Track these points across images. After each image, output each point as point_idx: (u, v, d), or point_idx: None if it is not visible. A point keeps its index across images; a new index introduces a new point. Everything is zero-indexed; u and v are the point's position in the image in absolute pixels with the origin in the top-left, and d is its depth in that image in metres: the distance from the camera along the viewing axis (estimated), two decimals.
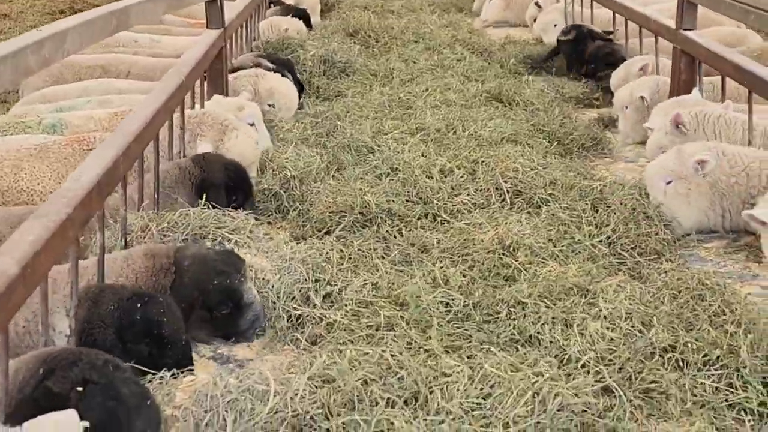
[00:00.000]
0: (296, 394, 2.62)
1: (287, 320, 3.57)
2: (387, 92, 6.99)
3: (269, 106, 6.30)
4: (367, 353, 2.95)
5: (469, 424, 2.43)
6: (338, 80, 7.56)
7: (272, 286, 3.65)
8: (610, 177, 5.18)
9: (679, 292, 3.51)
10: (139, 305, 3.04)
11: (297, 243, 4.05)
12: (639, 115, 6.21)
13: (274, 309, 3.59)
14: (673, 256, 4.35)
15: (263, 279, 3.69)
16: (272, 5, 10.46)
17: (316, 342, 3.39)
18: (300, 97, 6.75)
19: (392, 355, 2.90)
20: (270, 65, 6.63)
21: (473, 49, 8.73)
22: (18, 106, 6.71)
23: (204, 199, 4.15)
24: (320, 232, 4.34)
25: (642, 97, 6.17)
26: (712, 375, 2.94)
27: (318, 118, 6.25)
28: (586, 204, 4.50)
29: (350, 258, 3.94)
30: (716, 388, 2.89)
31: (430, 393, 2.66)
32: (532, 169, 4.67)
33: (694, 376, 2.97)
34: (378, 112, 6.34)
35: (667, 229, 4.52)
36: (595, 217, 4.41)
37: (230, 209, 4.02)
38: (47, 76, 7.37)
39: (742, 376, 2.92)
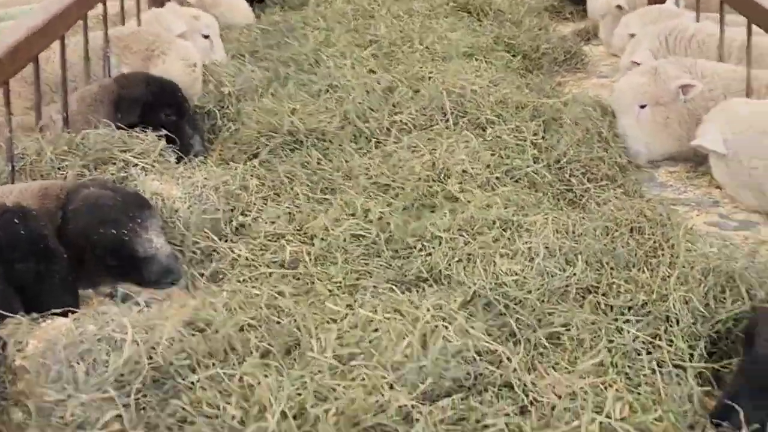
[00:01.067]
0: (158, 344, 2.37)
1: (194, 254, 3.32)
2: (353, 0, 6.54)
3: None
4: (257, 295, 2.70)
5: (336, 379, 2.19)
6: None
7: (180, 216, 3.38)
8: (573, 94, 4.80)
9: (617, 225, 3.21)
10: (17, 220, 2.73)
11: (216, 167, 3.75)
12: (617, 24, 5.77)
13: (181, 242, 3.32)
14: (627, 181, 4.03)
15: (171, 208, 3.42)
16: None
17: (218, 280, 3.14)
18: (253, 6, 6.31)
19: (281, 297, 2.64)
20: None
21: None
22: None
23: (120, 116, 3.82)
24: (246, 155, 4.04)
25: (619, 6, 5.73)
26: (635, 322, 2.66)
27: (271, 28, 5.85)
28: (538, 125, 4.15)
29: (271, 185, 3.66)
30: (636, 337, 2.61)
31: (310, 341, 2.41)
32: (481, 87, 4.29)
33: (615, 320, 2.69)
34: (338, 22, 5.92)
35: (626, 154, 4.21)
36: (544, 139, 4.07)
37: (139, 130, 3.70)
38: None
39: (666, 329, 2.63)
